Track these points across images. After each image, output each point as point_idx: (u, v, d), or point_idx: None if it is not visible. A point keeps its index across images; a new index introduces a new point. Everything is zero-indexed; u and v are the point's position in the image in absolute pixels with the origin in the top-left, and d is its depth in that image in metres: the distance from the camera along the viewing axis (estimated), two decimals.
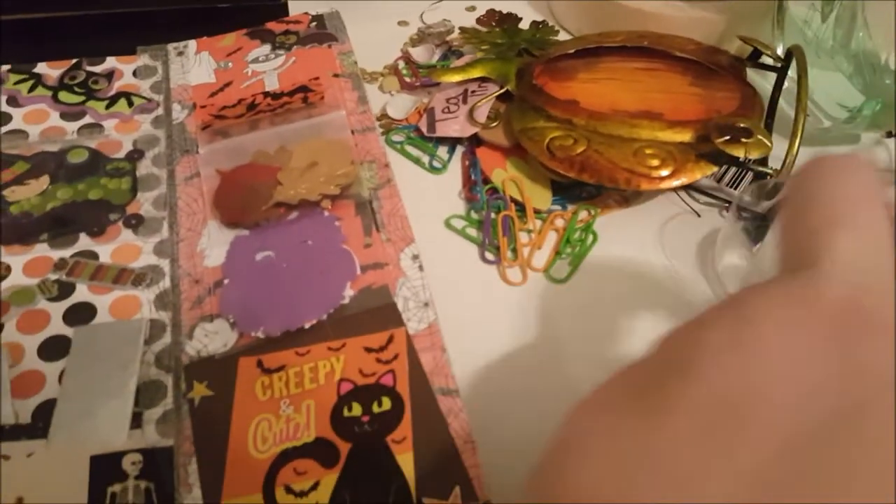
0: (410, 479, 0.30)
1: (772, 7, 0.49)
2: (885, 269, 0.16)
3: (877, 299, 0.15)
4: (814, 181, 0.19)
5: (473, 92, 0.47)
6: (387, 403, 0.32)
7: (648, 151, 0.40)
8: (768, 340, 0.15)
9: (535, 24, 0.52)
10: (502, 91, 0.46)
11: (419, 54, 0.52)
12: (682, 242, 0.42)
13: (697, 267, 0.40)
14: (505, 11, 0.54)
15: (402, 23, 0.56)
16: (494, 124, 0.45)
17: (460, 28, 0.53)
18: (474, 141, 0.46)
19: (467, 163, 0.45)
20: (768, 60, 0.46)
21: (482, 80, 0.48)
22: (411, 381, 0.33)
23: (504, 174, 0.43)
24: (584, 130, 0.42)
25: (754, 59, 0.46)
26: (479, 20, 0.53)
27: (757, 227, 0.39)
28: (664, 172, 0.40)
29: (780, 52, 0.48)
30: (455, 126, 0.45)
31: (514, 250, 0.40)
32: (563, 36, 0.54)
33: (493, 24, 0.53)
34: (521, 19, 0.53)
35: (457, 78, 0.47)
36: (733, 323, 0.16)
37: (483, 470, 0.30)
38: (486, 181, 0.43)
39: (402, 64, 0.52)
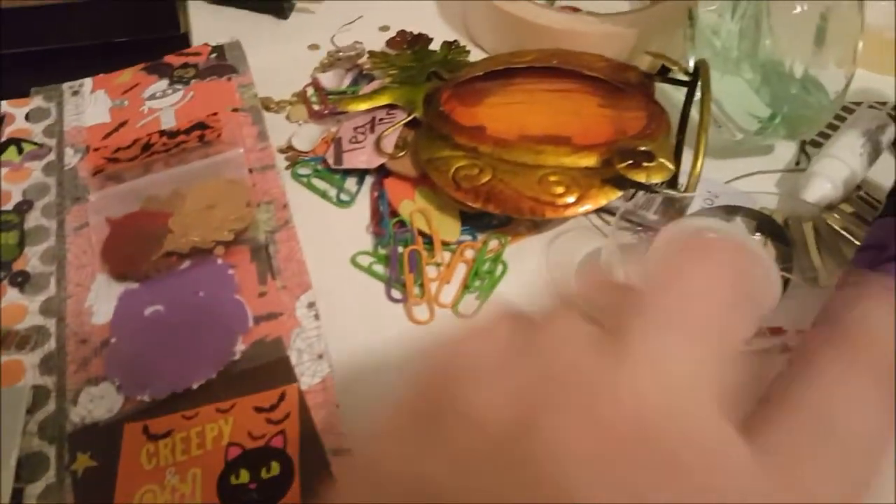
0: None
1: (683, 18, 0.48)
2: (686, 389, 0.15)
3: (667, 424, 0.15)
4: (673, 265, 0.18)
5: (381, 120, 0.46)
6: (276, 468, 0.30)
7: (553, 179, 0.39)
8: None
9: (446, 44, 0.51)
10: (410, 118, 0.45)
11: (329, 80, 0.51)
12: (582, 261, 0.41)
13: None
14: (417, 32, 0.52)
15: (313, 46, 0.54)
16: (402, 154, 0.44)
17: (369, 52, 0.51)
18: (383, 171, 0.44)
19: (376, 195, 0.44)
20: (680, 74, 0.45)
21: (390, 107, 0.46)
22: (302, 443, 0.31)
23: (412, 206, 0.42)
24: (489, 159, 0.41)
25: (663, 74, 0.45)
26: (389, 42, 0.52)
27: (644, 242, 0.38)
28: (569, 199, 0.39)
29: (691, 63, 0.48)
30: (362, 157, 0.44)
31: (422, 286, 0.39)
32: (476, 55, 0.52)
33: (404, 46, 0.51)
34: (432, 40, 0.51)
35: (363, 106, 0.46)
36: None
37: None
38: (394, 214, 0.42)
39: (311, 91, 0.50)
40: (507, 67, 0.47)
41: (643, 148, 0.38)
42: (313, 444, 0.31)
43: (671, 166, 0.38)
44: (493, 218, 0.43)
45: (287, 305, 0.36)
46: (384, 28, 0.56)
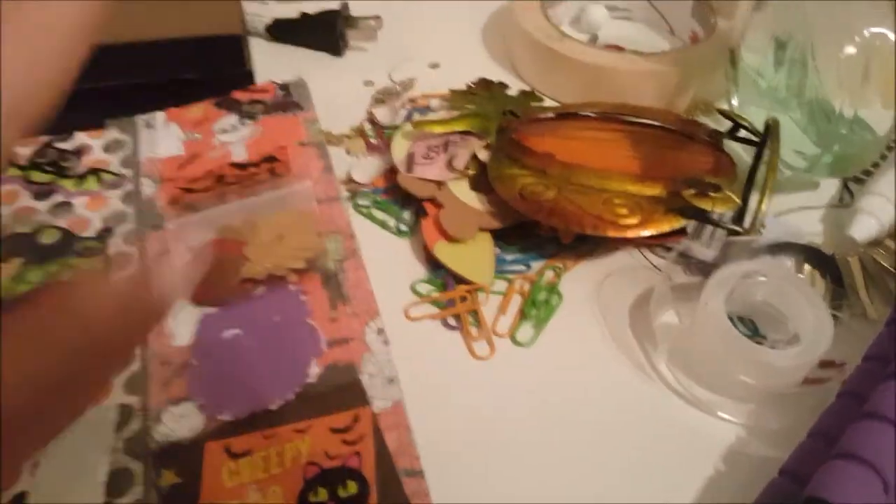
0: None
1: (724, 58, 0.50)
2: None
3: None
4: None
5: (454, 143, 0.48)
6: (353, 487, 0.32)
7: (617, 201, 0.41)
8: None
9: (523, 92, 0.54)
10: (483, 144, 0.47)
11: (384, 115, 0.53)
12: (643, 300, 0.42)
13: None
14: (498, 80, 0.55)
15: (368, 83, 0.57)
16: (471, 172, 0.46)
17: (451, 90, 0.53)
18: (422, 211, 0.45)
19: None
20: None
21: (464, 133, 0.48)
22: (377, 463, 0.33)
23: (447, 247, 0.43)
24: (556, 179, 0.43)
25: (733, 132, 0.47)
26: (468, 87, 0.54)
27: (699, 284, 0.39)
28: (632, 221, 0.40)
29: (734, 102, 0.49)
30: (433, 171, 0.46)
31: (477, 323, 0.40)
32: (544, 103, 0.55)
33: (482, 90, 0.54)
34: (508, 87, 0.54)
35: (442, 129, 0.48)
36: None
37: None
38: (430, 256, 0.43)
39: (367, 126, 0.53)
40: (577, 112, 0.49)
41: (711, 180, 0.40)
42: (388, 465, 0.33)
43: (737, 199, 0.40)
44: (543, 250, 0.44)
45: (357, 331, 0.38)
46: (434, 65, 0.59)
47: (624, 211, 0.41)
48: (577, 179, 0.43)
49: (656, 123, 0.48)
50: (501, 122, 0.48)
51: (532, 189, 0.42)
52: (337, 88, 0.56)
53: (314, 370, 0.36)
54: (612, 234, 0.40)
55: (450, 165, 0.46)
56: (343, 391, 0.36)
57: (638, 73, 0.52)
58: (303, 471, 0.33)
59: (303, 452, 0.34)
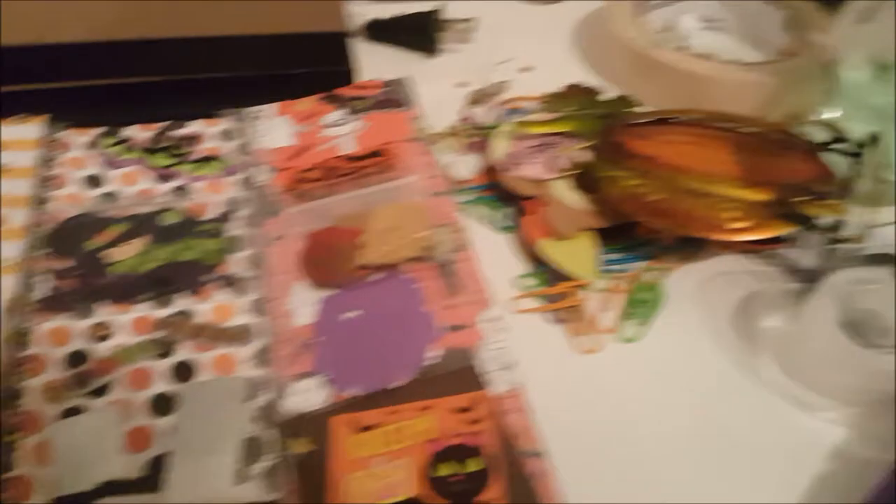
0: None
1: (821, 71, 0.51)
2: None
3: None
4: None
5: (552, 144, 0.50)
6: (476, 464, 0.34)
7: (723, 205, 0.42)
8: None
9: (620, 96, 0.55)
10: (585, 145, 0.49)
11: (480, 115, 0.55)
12: (746, 304, 0.43)
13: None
14: (587, 86, 0.57)
15: (461, 84, 0.59)
16: (573, 172, 0.48)
17: (547, 93, 0.55)
18: (521, 208, 0.47)
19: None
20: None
21: (564, 134, 0.50)
22: (499, 443, 0.35)
23: (551, 244, 0.45)
24: (660, 182, 0.44)
25: (832, 143, 0.47)
26: (566, 89, 0.56)
27: (803, 290, 0.40)
28: (741, 226, 0.42)
29: (831, 114, 0.50)
30: (536, 170, 0.48)
31: (581, 318, 0.42)
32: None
33: (578, 94, 0.56)
34: (600, 92, 0.56)
35: (544, 130, 0.50)
36: None
37: None
38: (531, 251, 0.45)
39: (464, 125, 0.55)
40: (675, 118, 0.50)
41: (818, 188, 0.41)
42: (508, 445, 0.35)
43: (844, 208, 0.41)
44: (643, 250, 0.46)
45: (471, 319, 0.40)
46: (525, 69, 0.61)
47: (732, 215, 0.42)
48: (682, 183, 0.44)
49: (753, 131, 0.49)
50: (601, 124, 0.50)
51: (638, 191, 0.44)
52: (430, 88, 0.58)
53: (432, 353, 0.38)
54: (720, 237, 0.42)
55: (551, 165, 0.48)
56: (461, 374, 0.37)
57: (734, 82, 0.53)
58: (428, 446, 0.35)
59: (427, 429, 0.35)
